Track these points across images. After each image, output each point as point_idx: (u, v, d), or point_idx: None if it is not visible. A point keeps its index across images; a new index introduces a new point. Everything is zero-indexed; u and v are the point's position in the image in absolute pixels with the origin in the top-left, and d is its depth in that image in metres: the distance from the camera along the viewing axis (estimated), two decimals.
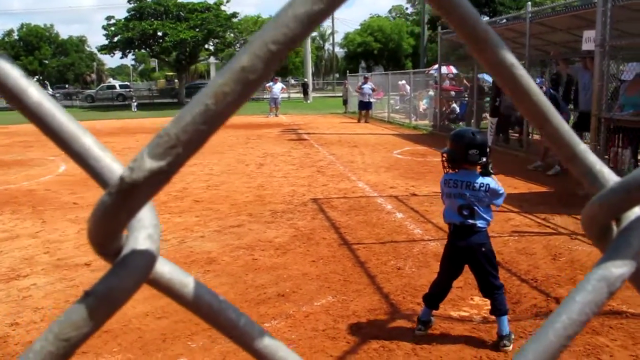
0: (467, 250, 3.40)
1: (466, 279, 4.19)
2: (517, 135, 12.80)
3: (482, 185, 3.34)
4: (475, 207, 3.35)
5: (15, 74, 0.33)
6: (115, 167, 0.35)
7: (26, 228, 6.48)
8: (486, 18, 19.30)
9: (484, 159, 3.38)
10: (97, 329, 0.34)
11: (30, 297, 4.42)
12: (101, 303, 0.33)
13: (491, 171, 3.46)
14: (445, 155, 3.44)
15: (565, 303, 0.38)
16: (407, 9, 65.81)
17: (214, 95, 0.30)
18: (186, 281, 0.38)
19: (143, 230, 0.35)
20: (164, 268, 0.37)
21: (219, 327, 0.39)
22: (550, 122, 0.40)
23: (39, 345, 0.33)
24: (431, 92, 18.99)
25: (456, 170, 3.42)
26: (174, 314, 4.01)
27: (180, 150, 0.31)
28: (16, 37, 50.34)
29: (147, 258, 0.35)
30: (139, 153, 0.31)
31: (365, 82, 21.51)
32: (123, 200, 0.31)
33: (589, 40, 7.85)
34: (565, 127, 0.40)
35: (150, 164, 0.31)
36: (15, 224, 6.66)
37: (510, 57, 0.36)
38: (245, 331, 0.39)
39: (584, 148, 0.41)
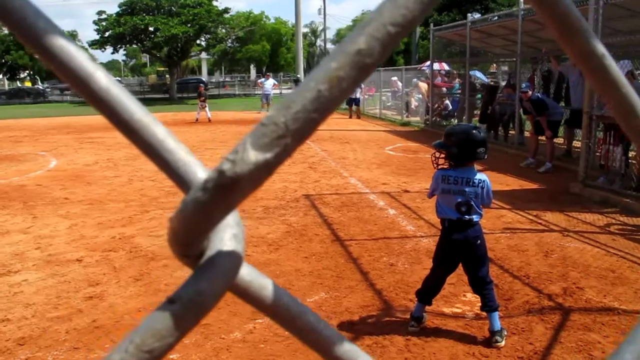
0: (463, 244, 3.40)
1: (459, 276, 4.19)
2: (512, 133, 12.84)
3: (480, 181, 3.35)
4: (473, 203, 3.36)
5: (81, 57, 0.30)
6: (192, 160, 0.32)
7: (17, 223, 6.43)
8: (478, 15, 19.33)
9: (486, 157, 3.39)
10: (181, 338, 0.31)
11: (21, 292, 4.38)
12: (188, 310, 0.31)
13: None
14: (444, 152, 3.42)
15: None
16: None
17: (328, 81, 0.28)
18: (265, 283, 0.36)
19: (228, 230, 0.33)
20: (243, 271, 0.35)
21: (297, 332, 0.37)
22: (638, 118, 0.38)
23: (118, 358, 0.30)
24: (418, 82, 19.00)
25: (457, 166, 3.41)
26: None
27: (288, 141, 0.28)
28: (6, 31, 49.88)
29: (234, 259, 0.33)
30: (240, 144, 0.29)
31: None
32: (221, 196, 0.29)
33: None
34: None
35: (255, 156, 0.28)
36: (6, 220, 6.61)
37: (601, 48, 0.35)
38: (325, 336, 0.37)
39: None
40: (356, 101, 21.87)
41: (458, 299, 4.12)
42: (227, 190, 0.28)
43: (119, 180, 9.06)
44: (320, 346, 0.37)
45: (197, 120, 19.83)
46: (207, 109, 20.22)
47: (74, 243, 5.63)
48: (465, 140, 3.33)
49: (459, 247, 3.44)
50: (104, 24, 37.06)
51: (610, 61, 0.35)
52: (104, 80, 0.31)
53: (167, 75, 42.90)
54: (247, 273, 0.35)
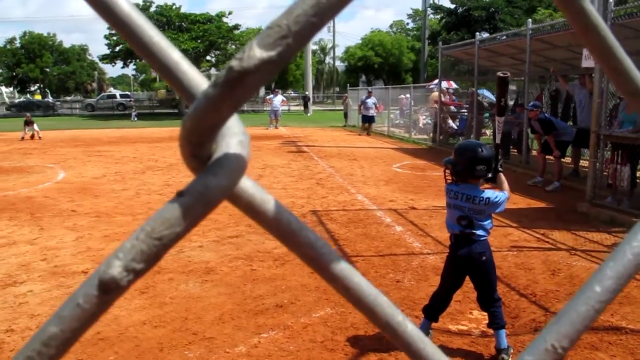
0: (468, 260, 3.40)
1: (465, 293, 4.18)
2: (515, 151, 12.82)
3: (481, 199, 3.34)
4: (474, 219, 3.36)
5: None
6: (202, 81, 0.35)
7: (24, 235, 6.46)
8: (486, 34, 19.41)
9: (490, 175, 3.39)
10: (190, 229, 0.33)
11: (26, 303, 4.39)
12: (197, 201, 0.33)
13: (500, 169, 3.49)
14: (449, 166, 3.44)
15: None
16: (407, 24, 66.14)
17: None
18: (267, 198, 0.38)
19: (235, 137, 0.36)
20: (247, 183, 0.37)
21: (296, 247, 0.39)
22: (615, 57, 0.40)
23: (130, 244, 0.32)
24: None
25: (459, 182, 3.42)
26: (171, 322, 3.99)
27: (290, 41, 0.30)
28: (18, 45, 50.50)
29: (241, 161, 0.35)
30: (247, 44, 0.31)
31: (368, 97, 21.76)
32: (231, 90, 0.31)
33: (588, 57, 7.90)
34: (630, 64, 0.41)
35: (261, 54, 0.30)
36: (13, 231, 6.64)
37: None
38: (322, 252, 0.39)
39: None
40: (371, 119, 21.97)
41: (464, 317, 4.09)
42: (236, 84, 0.31)
43: (126, 193, 9.10)
44: (317, 263, 0.39)
45: None
46: None
47: (80, 255, 5.64)
48: (465, 157, 3.35)
49: (464, 263, 3.43)
50: (114, 38, 37.53)
51: (589, 5, 0.37)
52: (126, 6, 0.33)
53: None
54: (250, 186, 0.37)
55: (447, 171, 3.47)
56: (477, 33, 15.97)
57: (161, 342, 3.71)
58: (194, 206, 0.33)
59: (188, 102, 0.34)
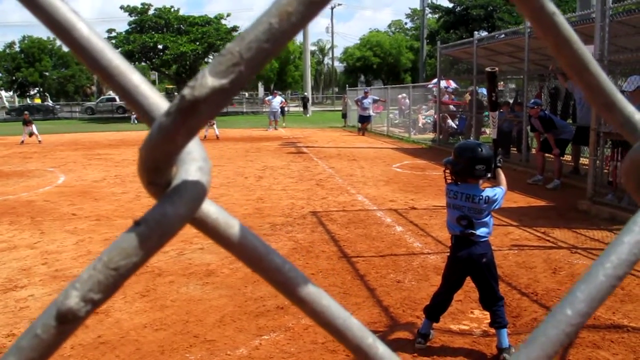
0: (468, 261, 3.40)
1: (466, 293, 4.17)
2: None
3: (481, 198, 3.34)
4: (473, 219, 3.36)
5: (64, 8, 0.33)
6: (163, 104, 0.35)
7: (24, 239, 6.46)
8: (485, 33, 19.40)
9: (489, 175, 3.39)
10: (147, 259, 0.33)
11: (27, 308, 4.39)
12: (153, 231, 0.33)
13: (499, 164, 3.49)
14: (449, 166, 3.44)
15: (612, 245, 0.39)
16: (406, 24, 66.18)
17: (277, 15, 0.30)
18: (232, 222, 0.37)
19: (194, 163, 0.35)
20: (211, 208, 0.37)
21: (263, 272, 0.39)
22: (589, 71, 0.40)
23: (87, 275, 0.32)
24: (428, 109, 19.06)
25: (459, 182, 3.42)
26: (172, 325, 3.98)
27: (242, 68, 0.30)
28: (17, 49, 50.51)
29: (200, 188, 0.35)
30: (199, 72, 0.31)
31: (365, 97, 21.76)
32: (183, 118, 0.31)
33: None
34: (603, 76, 0.40)
35: (212, 82, 0.30)
36: (14, 235, 6.64)
37: (551, 5, 0.36)
38: (290, 277, 0.39)
39: (622, 97, 0.41)
40: (368, 119, 21.99)
41: (465, 316, 4.08)
42: (188, 113, 0.31)
43: (126, 196, 9.10)
44: (285, 287, 0.39)
45: (205, 137, 19.92)
46: (215, 126, 20.32)
47: (80, 259, 5.64)
48: (464, 157, 3.36)
49: (464, 265, 3.43)
50: (113, 41, 37.50)
51: (561, 18, 0.37)
52: (85, 30, 0.33)
53: (176, 93, 43.22)
54: (214, 211, 0.37)
55: (447, 171, 3.48)
56: (476, 32, 15.96)
57: (162, 345, 3.70)
58: (151, 236, 0.33)
59: (148, 125, 0.34)
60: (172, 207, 0.33)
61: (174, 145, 0.33)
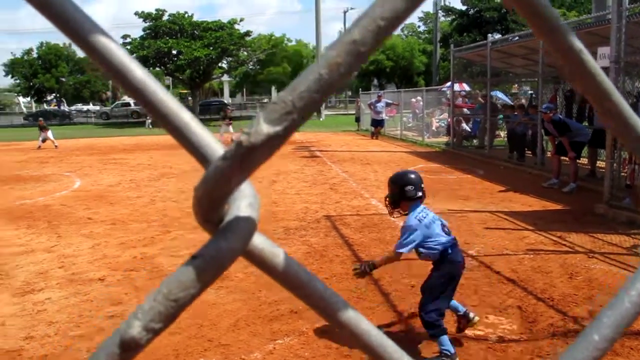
0: (463, 264, 3.57)
1: (481, 297, 4.14)
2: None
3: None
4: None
5: (120, 53, 0.35)
6: (213, 142, 0.37)
7: (41, 242, 6.53)
8: (498, 35, 19.30)
9: (420, 194, 3.56)
10: (203, 290, 0.35)
11: (44, 311, 4.43)
12: (209, 265, 0.35)
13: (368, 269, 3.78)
14: (387, 200, 3.67)
15: (638, 272, 0.41)
16: (419, 27, 66.01)
17: (327, 66, 0.32)
18: (277, 252, 0.40)
19: (245, 199, 0.38)
20: (257, 240, 0.39)
21: (306, 298, 0.41)
22: (609, 100, 0.42)
23: (148, 306, 0.34)
24: (441, 112, 18.99)
25: (399, 210, 3.65)
26: (187, 329, 4.00)
27: (295, 116, 0.33)
28: (35, 56, 51.10)
29: (250, 224, 0.37)
30: (254, 119, 0.33)
31: (378, 101, 21.73)
32: (240, 163, 0.33)
33: (603, 56, 7.81)
34: (629, 111, 0.42)
35: (267, 129, 0.32)
36: (31, 239, 6.71)
37: (578, 43, 0.38)
38: (331, 302, 0.41)
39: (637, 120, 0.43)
40: (381, 123, 21.93)
41: (481, 321, 4.05)
42: (244, 158, 0.33)
43: (141, 200, 9.16)
44: (327, 312, 0.41)
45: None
46: (230, 128, 20.56)
47: (96, 262, 5.68)
48: (394, 184, 3.60)
49: (461, 269, 3.56)
50: (128, 47, 37.83)
51: (587, 56, 0.39)
52: (139, 72, 0.36)
53: (190, 98, 43.54)
54: (260, 241, 0.39)
55: (388, 205, 3.69)
56: (489, 34, 15.89)
57: (177, 349, 3.72)
58: (207, 269, 0.35)
59: (199, 162, 0.37)
60: (225, 242, 0.35)
61: (228, 187, 0.35)
